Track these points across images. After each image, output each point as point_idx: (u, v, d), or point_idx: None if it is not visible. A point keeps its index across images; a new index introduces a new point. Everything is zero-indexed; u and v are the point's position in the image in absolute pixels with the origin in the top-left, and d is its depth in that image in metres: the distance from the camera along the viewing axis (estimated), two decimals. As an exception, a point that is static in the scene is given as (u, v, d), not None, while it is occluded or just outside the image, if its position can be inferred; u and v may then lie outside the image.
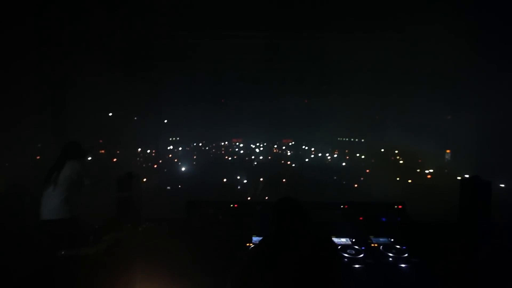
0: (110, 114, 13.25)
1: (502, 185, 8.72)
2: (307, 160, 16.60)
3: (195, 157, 17.23)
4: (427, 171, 11.33)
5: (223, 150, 20.98)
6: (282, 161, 15.64)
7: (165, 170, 12.90)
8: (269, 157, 17.31)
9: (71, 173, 3.75)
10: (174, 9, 7.19)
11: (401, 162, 13.42)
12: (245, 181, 10.36)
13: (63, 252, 2.79)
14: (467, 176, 3.61)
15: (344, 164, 14.73)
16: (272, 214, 2.07)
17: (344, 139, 19.82)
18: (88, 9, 7.06)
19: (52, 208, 3.68)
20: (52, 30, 7.85)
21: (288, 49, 9.35)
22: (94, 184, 3.95)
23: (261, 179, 9.88)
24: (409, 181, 10.09)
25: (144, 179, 8.85)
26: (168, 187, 9.18)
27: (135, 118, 13.99)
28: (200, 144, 21.36)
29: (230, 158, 17.03)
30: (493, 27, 7.23)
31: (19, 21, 6.94)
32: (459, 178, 4.40)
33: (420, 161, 12.34)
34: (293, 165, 14.38)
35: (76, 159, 3.88)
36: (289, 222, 2.01)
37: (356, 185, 9.84)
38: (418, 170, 11.51)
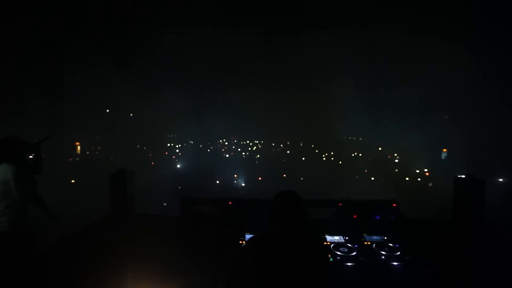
0: (108, 110, 13.22)
1: (501, 180, 9.18)
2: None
3: (195, 154, 17.24)
4: (418, 170, 11.39)
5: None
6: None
7: (165, 166, 12.92)
8: None
9: (3, 179, 3.01)
10: (170, 5, 7.19)
11: (396, 160, 13.48)
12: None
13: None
14: (463, 176, 3.61)
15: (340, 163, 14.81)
16: (270, 209, 1.93)
17: (343, 137, 19.79)
18: (87, 5, 7.04)
19: None
20: (49, 26, 7.83)
21: (285, 46, 9.38)
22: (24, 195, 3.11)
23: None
24: (406, 178, 10.14)
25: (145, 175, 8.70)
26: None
27: (131, 114, 13.96)
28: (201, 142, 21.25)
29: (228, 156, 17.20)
30: (490, 30, 7.27)
31: (17, 16, 6.90)
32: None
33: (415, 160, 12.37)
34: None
35: (13, 160, 3.10)
36: (286, 221, 1.86)
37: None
38: (416, 171, 11.54)
